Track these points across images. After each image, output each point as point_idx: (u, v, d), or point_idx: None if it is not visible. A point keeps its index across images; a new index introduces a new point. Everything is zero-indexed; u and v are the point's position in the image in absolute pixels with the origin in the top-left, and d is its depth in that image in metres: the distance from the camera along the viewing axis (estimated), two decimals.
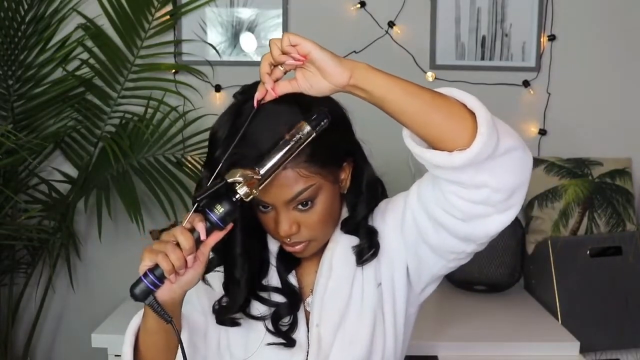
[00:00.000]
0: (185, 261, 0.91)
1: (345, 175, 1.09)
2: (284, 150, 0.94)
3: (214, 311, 1.12)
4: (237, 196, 0.91)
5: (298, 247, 1.07)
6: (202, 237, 0.91)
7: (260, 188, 0.94)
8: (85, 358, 2.24)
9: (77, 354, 2.41)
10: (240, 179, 0.91)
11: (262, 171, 0.93)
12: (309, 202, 1.02)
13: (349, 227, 1.12)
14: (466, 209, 0.94)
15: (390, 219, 1.11)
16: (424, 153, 0.92)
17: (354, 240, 1.11)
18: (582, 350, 1.79)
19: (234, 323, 1.11)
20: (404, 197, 1.10)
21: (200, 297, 1.13)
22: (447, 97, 0.93)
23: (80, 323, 2.37)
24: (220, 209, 0.91)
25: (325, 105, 0.99)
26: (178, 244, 0.90)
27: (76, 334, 2.40)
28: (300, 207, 1.02)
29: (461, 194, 0.93)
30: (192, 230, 0.91)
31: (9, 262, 2.22)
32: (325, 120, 0.95)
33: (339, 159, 1.07)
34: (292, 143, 0.94)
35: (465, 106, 0.91)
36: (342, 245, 1.12)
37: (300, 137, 0.94)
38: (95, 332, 1.80)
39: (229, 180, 0.91)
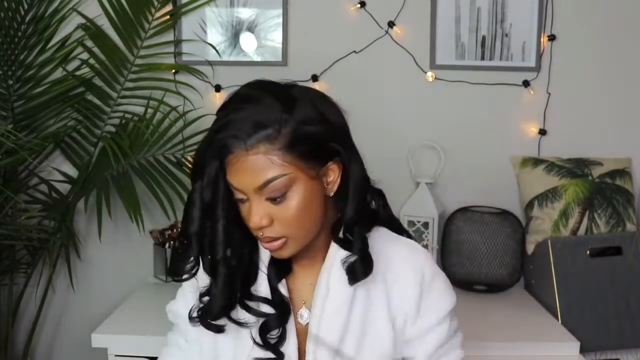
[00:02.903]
0: None
1: (334, 177, 1.04)
2: None
3: (198, 313, 1.09)
4: None
5: (275, 244, 1.02)
6: None
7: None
8: (85, 358, 2.24)
9: (77, 354, 2.41)
10: None
11: None
12: (281, 195, 0.99)
13: (338, 234, 1.07)
14: None
15: (419, 309, 1.14)
16: None
17: (350, 258, 1.07)
18: (582, 350, 1.79)
19: (219, 329, 1.08)
20: (432, 341, 1.18)
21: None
22: None
23: (80, 323, 2.38)
24: None
25: (310, 102, 1.01)
26: None
27: (76, 334, 2.40)
28: (271, 198, 0.99)
29: None
30: None
31: (9, 262, 2.22)
32: None
33: (323, 155, 1.02)
34: None
35: None
36: (339, 264, 1.08)
37: None
38: (95, 332, 1.80)
39: None
